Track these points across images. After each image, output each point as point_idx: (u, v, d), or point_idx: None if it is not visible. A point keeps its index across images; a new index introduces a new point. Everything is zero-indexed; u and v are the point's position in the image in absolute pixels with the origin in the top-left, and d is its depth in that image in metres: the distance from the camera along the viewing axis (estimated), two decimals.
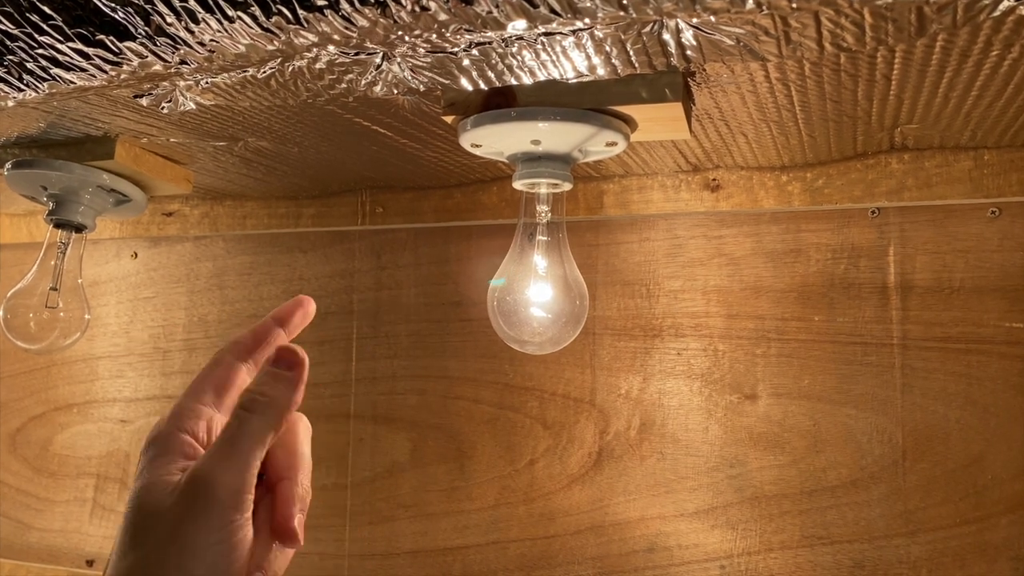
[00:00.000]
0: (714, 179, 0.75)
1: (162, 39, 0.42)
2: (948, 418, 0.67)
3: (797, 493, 0.70)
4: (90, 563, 0.95)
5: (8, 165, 0.71)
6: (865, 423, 0.69)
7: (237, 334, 0.38)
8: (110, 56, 0.43)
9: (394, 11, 0.38)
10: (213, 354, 0.38)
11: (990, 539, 0.65)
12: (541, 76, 0.47)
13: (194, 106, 0.53)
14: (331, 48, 0.43)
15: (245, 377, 0.37)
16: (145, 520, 0.32)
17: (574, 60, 0.45)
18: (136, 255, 0.98)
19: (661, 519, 0.73)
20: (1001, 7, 0.37)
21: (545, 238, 0.64)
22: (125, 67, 0.43)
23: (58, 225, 0.75)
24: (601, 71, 0.46)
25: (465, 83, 0.48)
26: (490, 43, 0.43)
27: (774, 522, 0.70)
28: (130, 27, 0.42)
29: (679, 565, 0.72)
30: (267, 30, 0.41)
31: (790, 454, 0.70)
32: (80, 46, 0.42)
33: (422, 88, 0.49)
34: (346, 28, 0.40)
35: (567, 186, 0.61)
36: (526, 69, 0.47)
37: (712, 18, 0.39)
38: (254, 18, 0.40)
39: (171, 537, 0.31)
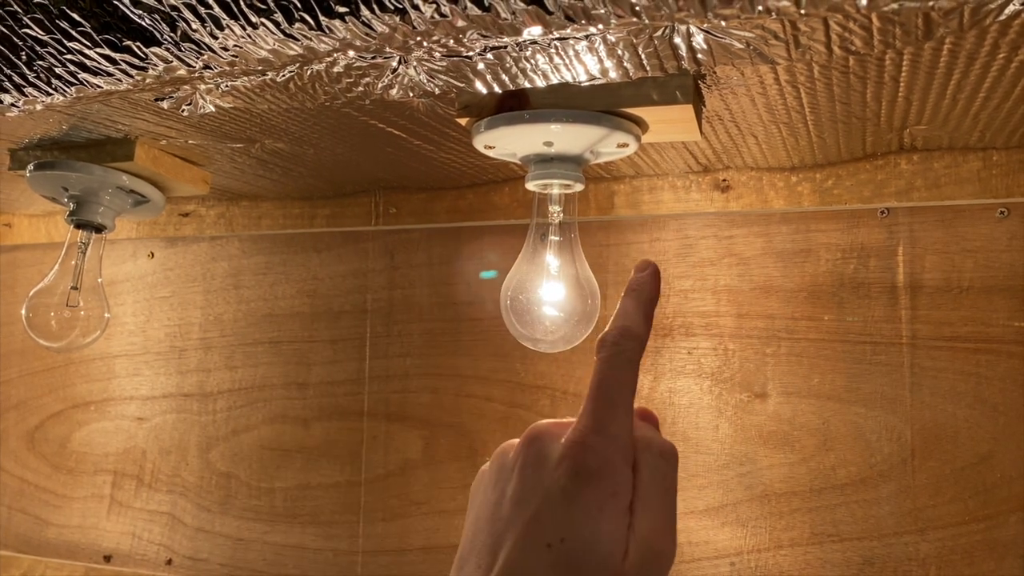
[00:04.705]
0: (724, 180, 0.76)
1: (187, 45, 0.43)
2: (957, 417, 0.67)
3: (807, 491, 0.70)
4: (107, 559, 0.96)
5: (30, 167, 0.72)
6: (874, 422, 0.69)
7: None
8: (136, 61, 0.44)
9: (413, 17, 0.39)
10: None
11: (999, 537, 0.65)
12: (554, 79, 0.48)
13: (213, 109, 0.54)
14: (350, 52, 0.44)
15: None
16: None
17: (587, 63, 0.46)
18: (153, 255, 1.00)
19: None
20: (1007, 11, 0.38)
21: (557, 238, 0.64)
22: (151, 72, 0.45)
23: (79, 225, 0.76)
24: (613, 74, 0.47)
25: (480, 86, 0.49)
26: (505, 48, 0.44)
27: (784, 519, 0.71)
28: (156, 33, 0.43)
29: (689, 562, 0.73)
30: (289, 36, 0.42)
31: (800, 452, 0.71)
32: (107, 51, 0.44)
33: (437, 91, 0.50)
34: (366, 34, 0.41)
35: (579, 187, 0.62)
36: (539, 72, 0.47)
37: (722, 23, 0.40)
38: (277, 24, 0.41)
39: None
